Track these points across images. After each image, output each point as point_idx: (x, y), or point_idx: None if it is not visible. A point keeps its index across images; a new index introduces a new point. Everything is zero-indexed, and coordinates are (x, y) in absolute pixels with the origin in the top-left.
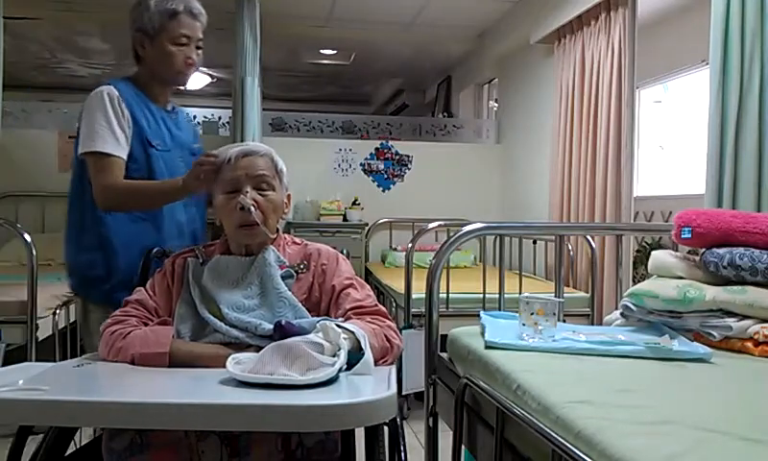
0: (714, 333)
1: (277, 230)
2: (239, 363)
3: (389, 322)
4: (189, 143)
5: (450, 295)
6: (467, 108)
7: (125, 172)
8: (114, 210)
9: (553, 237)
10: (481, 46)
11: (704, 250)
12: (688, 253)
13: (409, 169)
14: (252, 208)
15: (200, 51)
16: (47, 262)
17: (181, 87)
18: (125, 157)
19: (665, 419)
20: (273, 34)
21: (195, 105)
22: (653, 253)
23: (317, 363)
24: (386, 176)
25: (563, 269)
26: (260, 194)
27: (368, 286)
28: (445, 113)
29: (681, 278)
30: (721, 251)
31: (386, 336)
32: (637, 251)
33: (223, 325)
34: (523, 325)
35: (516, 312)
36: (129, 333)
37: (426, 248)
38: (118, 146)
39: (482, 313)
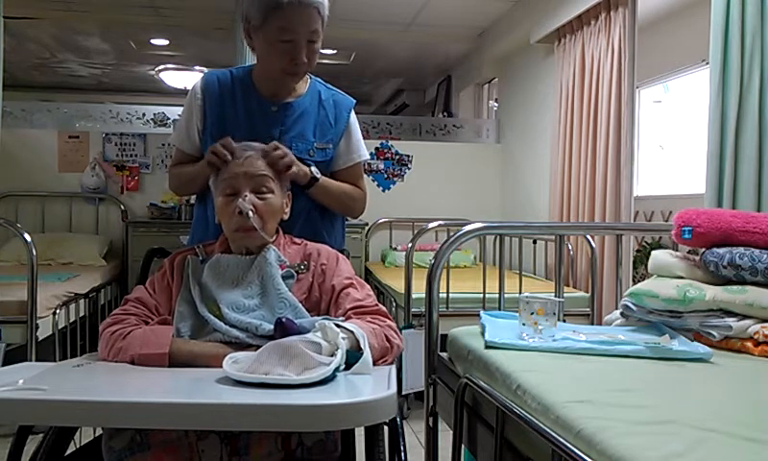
0: (714, 333)
1: (277, 230)
2: (236, 362)
3: (389, 321)
4: (294, 140)
5: (450, 295)
6: (467, 107)
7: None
8: (174, 191)
9: (553, 237)
10: (481, 46)
11: (704, 250)
12: (688, 252)
13: (409, 169)
14: (251, 213)
15: (314, 44)
16: (47, 262)
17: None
18: (187, 147)
19: (665, 419)
20: None
21: None
22: (653, 252)
23: (314, 363)
24: (386, 175)
25: (563, 269)
26: (259, 197)
27: (368, 286)
28: (445, 113)
29: (681, 277)
30: (721, 250)
31: (386, 336)
32: (637, 251)
33: (222, 324)
34: (523, 324)
35: (516, 312)
36: (128, 333)
37: (426, 248)
38: (183, 139)
39: (482, 313)
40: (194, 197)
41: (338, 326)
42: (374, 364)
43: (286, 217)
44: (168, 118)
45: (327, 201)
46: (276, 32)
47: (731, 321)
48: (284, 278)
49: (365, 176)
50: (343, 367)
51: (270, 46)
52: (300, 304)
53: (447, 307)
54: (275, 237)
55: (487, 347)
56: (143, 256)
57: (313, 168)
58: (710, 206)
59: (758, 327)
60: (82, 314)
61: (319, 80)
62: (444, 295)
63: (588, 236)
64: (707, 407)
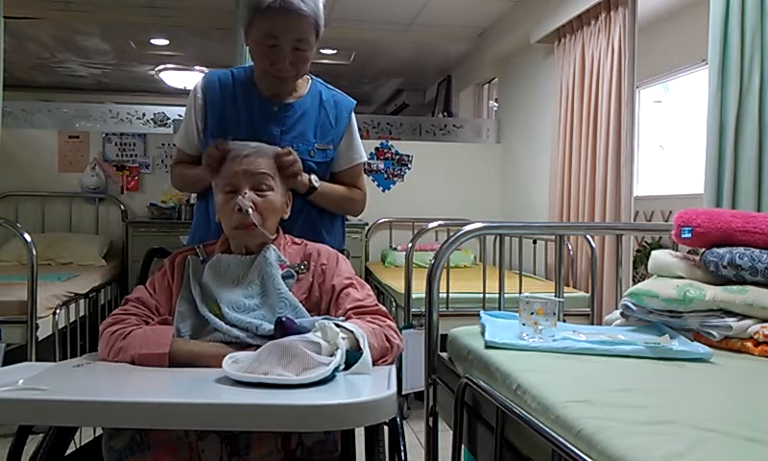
0: (714, 333)
1: (278, 229)
2: (236, 362)
3: (389, 321)
4: (295, 141)
5: (450, 295)
6: (467, 107)
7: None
8: (177, 189)
9: (553, 237)
10: (481, 46)
11: (704, 249)
12: (688, 252)
13: (409, 169)
14: (251, 210)
15: (301, 52)
16: (47, 262)
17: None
18: (188, 146)
19: (665, 419)
20: None
21: None
22: (653, 252)
23: (313, 363)
24: (386, 175)
25: (563, 269)
26: (259, 195)
27: (368, 286)
28: (445, 113)
29: (681, 277)
30: (721, 250)
31: (386, 336)
32: (637, 251)
33: (223, 324)
34: (523, 324)
35: (516, 312)
36: (129, 333)
37: (426, 248)
38: (183, 139)
39: (482, 313)
40: (194, 196)
41: (338, 325)
42: (374, 364)
43: (287, 216)
44: (168, 118)
45: (326, 204)
46: (260, 35)
47: (731, 321)
48: (284, 277)
49: (365, 176)
50: (342, 367)
51: (256, 47)
52: (301, 304)
53: (447, 307)
54: (275, 237)
55: (487, 347)
56: (143, 256)
57: (313, 176)
58: (710, 205)
59: (758, 327)
60: (82, 314)
61: (319, 80)
62: (444, 295)
63: (588, 236)
64: (707, 407)
